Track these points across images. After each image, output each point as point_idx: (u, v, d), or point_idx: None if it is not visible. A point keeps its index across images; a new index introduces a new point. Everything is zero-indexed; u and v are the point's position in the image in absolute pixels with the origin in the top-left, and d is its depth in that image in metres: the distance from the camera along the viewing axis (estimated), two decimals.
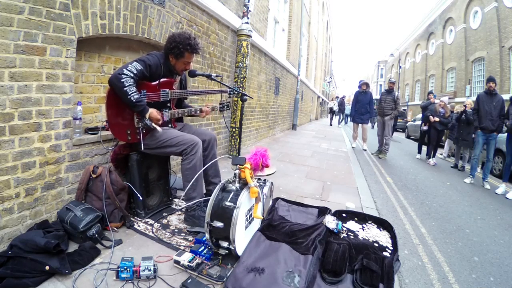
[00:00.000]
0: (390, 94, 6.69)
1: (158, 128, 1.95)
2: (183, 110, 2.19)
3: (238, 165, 1.77)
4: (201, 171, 1.98)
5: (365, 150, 7.55)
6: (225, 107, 2.40)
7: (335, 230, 2.01)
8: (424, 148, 7.23)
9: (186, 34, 2.01)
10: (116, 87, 1.76)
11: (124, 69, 1.77)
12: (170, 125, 2.17)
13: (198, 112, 2.29)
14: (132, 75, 1.79)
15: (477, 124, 4.91)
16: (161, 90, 2.02)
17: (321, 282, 1.52)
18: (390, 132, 6.77)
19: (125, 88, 1.75)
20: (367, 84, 7.35)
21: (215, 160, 2.19)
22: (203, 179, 2.29)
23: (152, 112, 1.91)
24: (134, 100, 1.79)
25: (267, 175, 3.62)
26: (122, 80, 1.74)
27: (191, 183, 1.92)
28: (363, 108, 7.11)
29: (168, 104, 2.12)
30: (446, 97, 7.01)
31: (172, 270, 1.55)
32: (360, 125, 7.57)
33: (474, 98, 6.43)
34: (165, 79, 2.04)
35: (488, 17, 14.24)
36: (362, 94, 7.15)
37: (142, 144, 1.97)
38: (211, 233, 1.61)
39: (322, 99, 26.14)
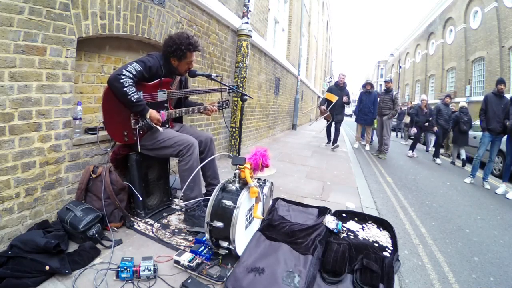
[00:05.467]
0: (388, 94, 6.72)
1: (160, 128, 1.95)
2: (181, 110, 2.16)
3: (238, 165, 1.77)
4: (195, 171, 1.94)
5: (366, 150, 7.56)
6: (224, 105, 2.36)
7: (335, 230, 2.01)
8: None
9: (184, 34, 2.01)
10: (115, 88, 1.74)
11: (123, 70, 1.76)
12: (167, 125, 2.16)
13: (202, 109, 2.23)
14: (131, 75, 1.78)
15: (484, 125, 4.79)
16: (158, 90, 2.00)
17: (321, 282, 1.52)
18: (389, 132, 6.78)
19: (124, 89, 1.73)
20: (371, 85, 7.33)
21: (211, 157, 2.16)
22: (203, 180, 2.29)
23: (152, 112, 1.90)
24: (134, 100, 1.78)
25: (267, 175, 3.62)
26: (122, 81, 1.73)
27: (186, 183, 1.91)
28: (366, 109, 7.09)
29: (166, 105, 2.10)
30: (425, 95, 7.57)
31: (172, 270, 1.55)
32: (364, 126, 7.62)
33: (473, 98, 6.49)
34: (162, 79, 2.02)
35: (488, 17, 14.22)
36: (366, 95, 7.14)
37: (139, 145, 1.97)
38: (211, 233, 1.61)
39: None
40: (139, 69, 1.83)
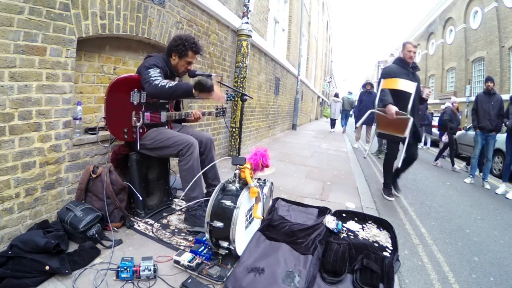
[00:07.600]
0: None
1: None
2: (180, 113, 2.19)
3: (238, 165, 1.77)
4: (199, 174, 1.96)
5: (366, 150, 7.56)
6: (221, 112, 2.38)
7: (335, 230, 2.01)
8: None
9: (192, 36, 2.12)
10: (161, 94, 1.84)
11: (150, 78, 1.84)
12: (166, 126, 2.18)
13: (187, 116, 2.22)
14: (159, 75, 1.88)
15: (475, 124, 4.94)
16: None
17: (321, 282, 1.52)
18: None
19: (166, 88, 1.80)
20: (371, 85, 7.32)
21: (213, 163, 2.17)
22: (203, 180, 2.29)
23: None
24: (185, 87, 1.86)
25: (267, 175, 3.62)
26: (159, 85, 1.81)
27: (190, 184, 1.92)
28: (366, 109, 7.05)
29: (167, 106, 2.14)
30: (455, 97, 6.95)
31: (172, 270, 1.55)
32: (364, 126, 7.60)
33: (473, 98, 6.45)
34: None
35: (488, 17, 14.24)
36: (366, 95, 7.12)
37: (138, 144, 1.98)
38: (211, 233, 1.61)
39: (322, 99, 26.13)
40: (159, 71, 1.93)
